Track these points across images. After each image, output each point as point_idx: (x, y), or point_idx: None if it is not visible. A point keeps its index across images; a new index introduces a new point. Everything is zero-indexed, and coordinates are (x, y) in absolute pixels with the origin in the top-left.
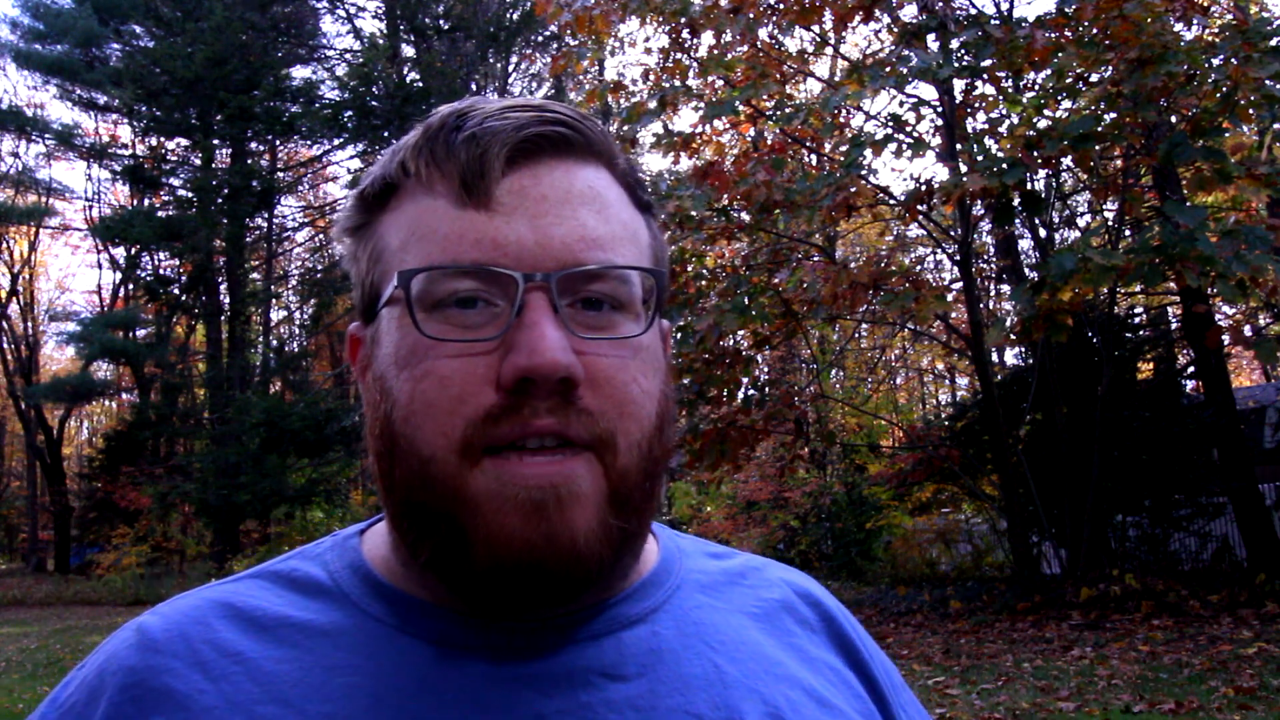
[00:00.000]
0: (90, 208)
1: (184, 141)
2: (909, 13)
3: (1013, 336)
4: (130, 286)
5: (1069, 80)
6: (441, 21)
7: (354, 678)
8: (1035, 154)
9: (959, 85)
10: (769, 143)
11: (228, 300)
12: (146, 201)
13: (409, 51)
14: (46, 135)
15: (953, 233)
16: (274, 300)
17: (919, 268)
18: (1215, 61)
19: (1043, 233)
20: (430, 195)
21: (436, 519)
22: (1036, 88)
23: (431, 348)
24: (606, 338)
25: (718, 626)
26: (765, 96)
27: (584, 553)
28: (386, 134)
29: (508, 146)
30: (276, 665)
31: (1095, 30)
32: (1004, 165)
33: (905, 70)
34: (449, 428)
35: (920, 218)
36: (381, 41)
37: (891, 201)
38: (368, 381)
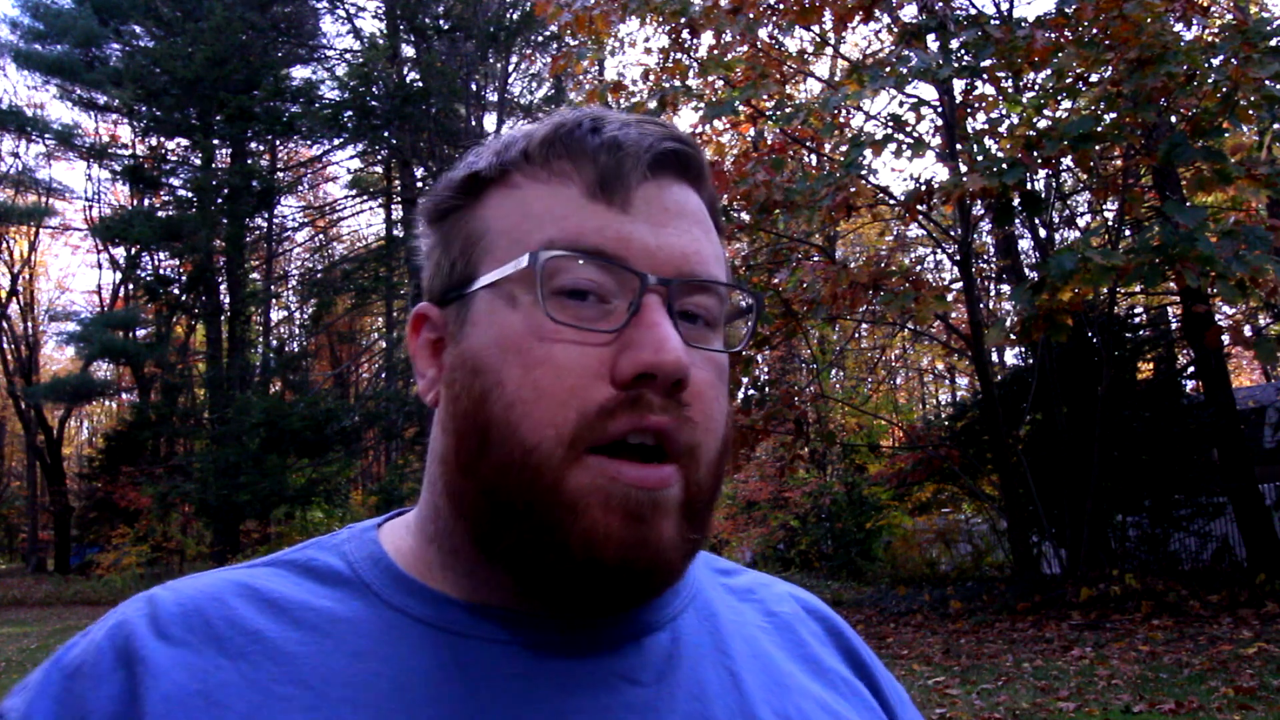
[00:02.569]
0: (90, 208)
1: (184, 141)
2: (909, 13)
3: (1013, 336)
4: (130, 286)
5: (1069, 80)
6: (441, 21)
7: (376, 664)
8: (1035, 154)
9: (959, 85)
10: (769, 143)
11: (228, 300)
12: (146, 201)
13: (409, 51)
14: (46, 135)
15: (953, 233)
16: (274, 300)
17: (919, 268)
18: (1215, 62)
19: (1043, 233)
20: (560, 184)
21: (528, 510)
22: (1036, 88)
23: (550, 334)
24: (708, 349)
25: (733, 637)
26: (765, 97)
27: (668, 559)
28: (386, 134)
29: (650, 154)
30: (297, 647)
31: (1095, 30)
32: (1004, 165)
33: (905, 70)
34: (560, 419)
35: (920, 218)
36: (381, 41)
37: (891, 201)
38: (444, 361)
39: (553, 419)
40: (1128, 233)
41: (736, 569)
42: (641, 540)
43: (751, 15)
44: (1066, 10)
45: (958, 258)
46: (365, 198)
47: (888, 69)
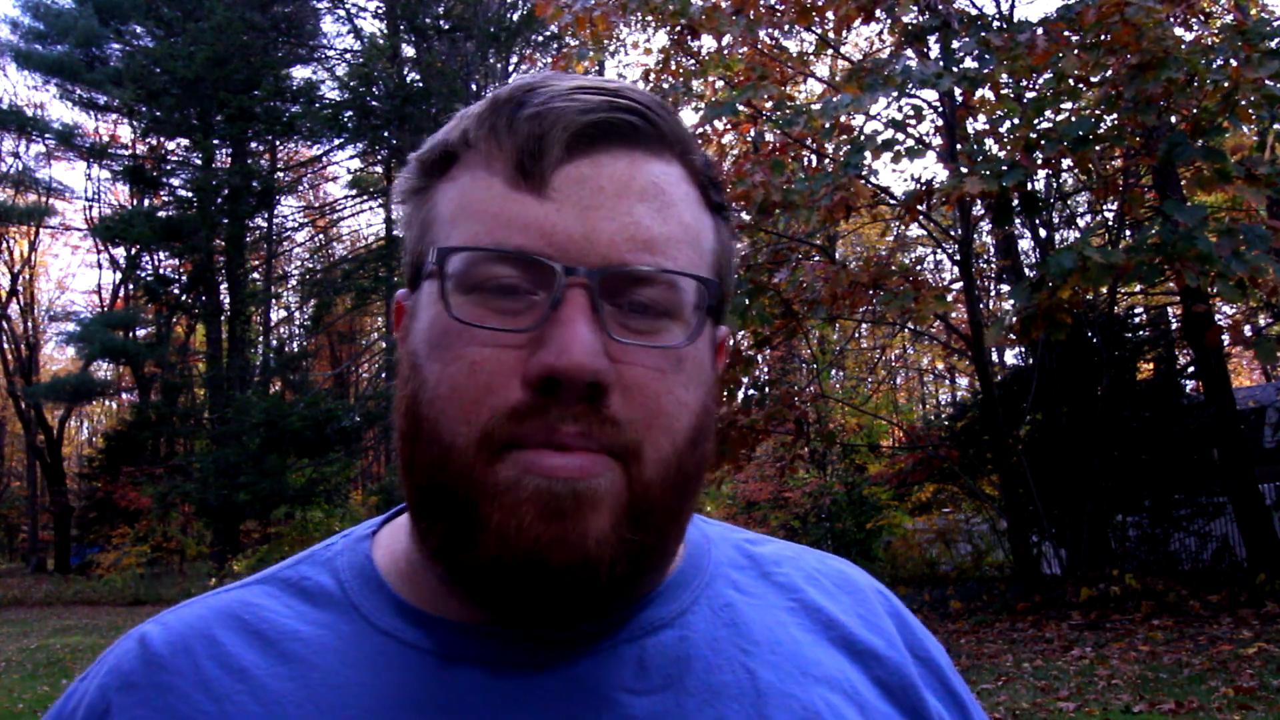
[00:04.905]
0: (90, 208)
1: (184, 141)
2: (910, 15)
3: (1012, 336)
4: (130, 286)
5: (1069, 82)
6: (441, 21)
7: (361, 696)
8: (1035, 155)
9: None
10: (769, 144)
11: (228, 300)
12: (146, 201)
13: (409, 51)
14: (46, 135)
15: (953, 233)
16: (274, 300)
17: (919, 268)
18: (1216, 64)
19: (1043, 233)
20: (487, 170)
21: (452, 504)
22: (1036, 89)
23: (463, 332)
24: (646, 345)
25: (751, 626)
26: (765, 97)
27: (593, 560)
28: (386, 134)
29: (569, 131)
30: (280, 683)
31: (1097, 33)
32: (1004, 167)
33: (904, 79)
34: (473, 416)
35: (920, 218)
36: (381, 41)
37: (891, 202)
38: (404, 353)
39: (467, 416)
40: (1128, 233)
41: (761, 539)
42: (559, 536)
43: (751, 15)
44: (1069, 17)
45: (958, 258)
46: (365, 198)
47: (887, 71)
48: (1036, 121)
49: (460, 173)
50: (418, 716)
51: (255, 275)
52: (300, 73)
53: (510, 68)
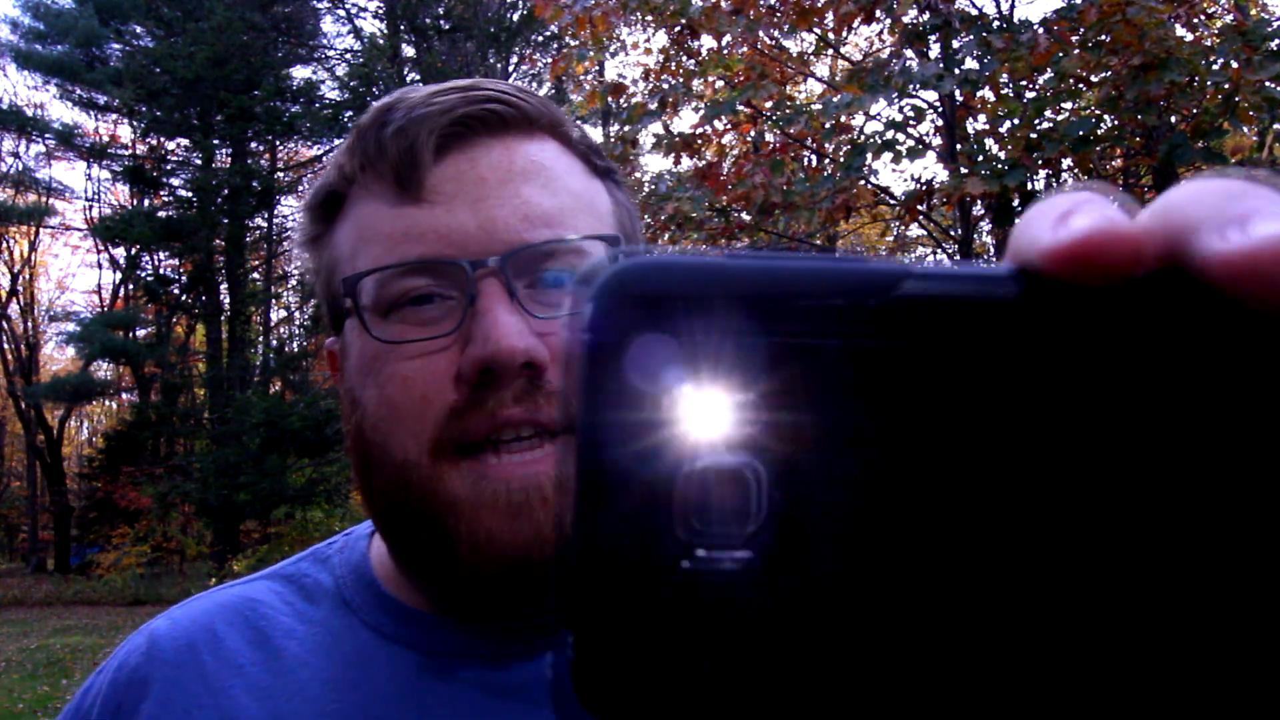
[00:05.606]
0: (90, 208)
1: (184, 141)
2: (910, 15)
3: None
4: (130, 286)
5: (1070, 81)
6: (442, 21)
7: (348, 693)
8: (1035, 155)
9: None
10: (769, 144)
11: (228, 300)
12: (146, 201)
13: (409, 51)
14: (46, 135)
15: (953, 233)
16: (274, 300)
17: None
18: (1216, 64)
19: None
20: (371, 197)
21: (420, 524)
22: (1037, 89)
23: (391, 351)
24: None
25: None
26: (765, 97)
27: None
28: None
29: (435, 133)
30: (273, 679)
31: (1098, 34)
32: (1004, 167)
33: (905, 80)
34: (418, 430)
35: (920, 218)
36: (382, 41)
37: (892, 202)
38: (342, 392)
39: (412, 431)
40: None
41: None
42: (534, 533)
43: (751, 15)
44: (1071, 15)
45: (958, 258)
46: None
47: (887, 72)
48: (1037, 121)
49: (349, 208)
50: (402, 710)
51: (255, 275)
52: (300, 73)
53: (510, 68)
